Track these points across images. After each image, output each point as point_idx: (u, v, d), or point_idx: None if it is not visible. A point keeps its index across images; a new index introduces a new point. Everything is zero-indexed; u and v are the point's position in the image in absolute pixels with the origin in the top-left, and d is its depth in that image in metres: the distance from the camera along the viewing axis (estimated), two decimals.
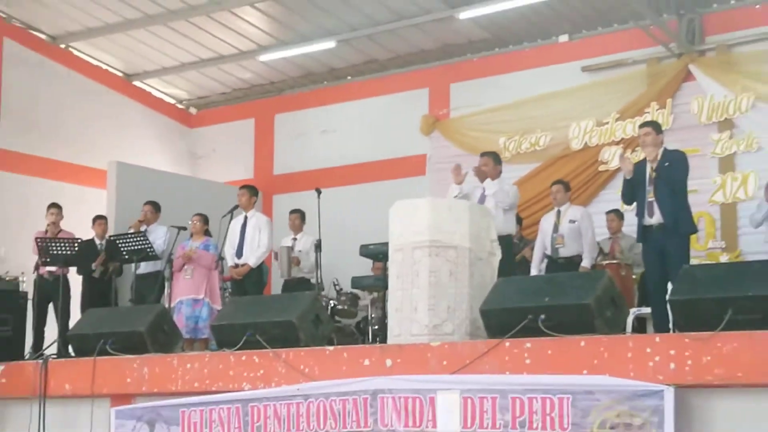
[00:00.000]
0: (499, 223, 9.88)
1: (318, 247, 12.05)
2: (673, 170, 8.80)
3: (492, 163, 10.54)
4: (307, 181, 14.09)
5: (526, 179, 13.60)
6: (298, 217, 12.64)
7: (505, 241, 9.68)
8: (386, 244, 9.36)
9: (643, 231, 9.05)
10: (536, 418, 7.38)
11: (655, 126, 9.31)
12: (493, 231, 9.28)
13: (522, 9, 13.45)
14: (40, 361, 10.58)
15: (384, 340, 9.86)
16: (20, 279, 12.56)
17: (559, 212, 11.04)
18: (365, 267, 12.32)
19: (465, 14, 13.63)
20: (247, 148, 16.43)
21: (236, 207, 12.08)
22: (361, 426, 8.35)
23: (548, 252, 11.00)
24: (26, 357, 11.65)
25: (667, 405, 6.92)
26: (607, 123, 13.23)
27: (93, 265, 12.50)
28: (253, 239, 11.90)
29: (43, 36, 14.99)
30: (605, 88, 13.37)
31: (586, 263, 10.62)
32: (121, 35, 15.10)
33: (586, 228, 10.92)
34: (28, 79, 14.45)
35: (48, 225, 12.37)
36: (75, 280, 12.56)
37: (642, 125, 9.73)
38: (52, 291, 12.04)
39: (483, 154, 10.82)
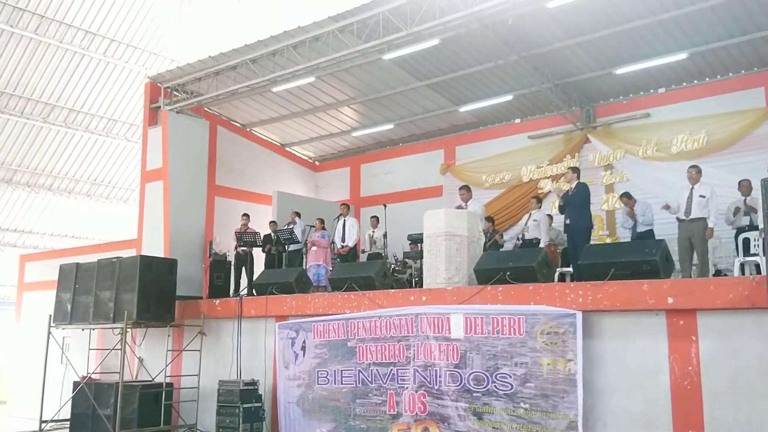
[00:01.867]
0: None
1: (385, 236, 12.85)
2: (580, 193, 9.74)
3: (466, 192, 11.22)
4: (379, 200, 14.74)
5: (498, 197, 14.39)
6: (375, 220, 13.32)
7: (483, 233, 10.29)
8: (421, 234, 10.01)
9: (565, 226, 9.89)
10: (505, 329, 8.16)
11: (574, 169, 10.20)
12: (480, 226, 10.11)
13: (494, 105, 14.08)
14: (238, 297, 11.77)
15: (421, 285, 10.33)
16: (227, 254, 13.41)
17: (530, 215, 11.54)
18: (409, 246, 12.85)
19: (463, 108, 14.42)
20: (345, 182, 17.37)
21: (340, 214, 12.98)
22: (410, 332, 9.11)
23: (519, 235, 11.50)
24: (230, 296, 12.56)
25: (578, 321, 7.58)
26: (542, 167, 13.90)
27: (268, 247, 13.35)
28: (349, 231, 12.78)
29: (237, 124, 16.05)
30: (541, 147, 14.03)
31: (542, 243, 11.01)
32: (280, 123, 16.03)
33: (545, 224, 11.44)
34: (230, 147, 15.32)
35: (241, 225, 13.36)
36: (257, 255, 13.41)
37: (568, 168, 10.92)
38: (244, 261, 13.13)
39: (461, 188, 11.44)
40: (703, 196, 8.86)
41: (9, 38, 18.79)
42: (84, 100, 21.38)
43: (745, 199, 9.49)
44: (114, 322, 11.60)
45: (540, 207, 11.88)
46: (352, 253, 12.97)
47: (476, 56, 12.56)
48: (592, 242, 10.23)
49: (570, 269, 9.85)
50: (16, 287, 19.19)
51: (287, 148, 17.52)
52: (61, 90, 20.69)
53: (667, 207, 9.28)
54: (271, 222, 13.88)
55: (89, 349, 12.93)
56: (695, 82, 12.59)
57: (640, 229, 9.87)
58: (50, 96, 20.74)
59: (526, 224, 11.46)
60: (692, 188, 9.03)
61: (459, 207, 10.87)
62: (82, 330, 12.85)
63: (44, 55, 19.61)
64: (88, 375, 12.29)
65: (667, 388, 7.25)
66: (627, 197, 10.45)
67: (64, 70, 20.23)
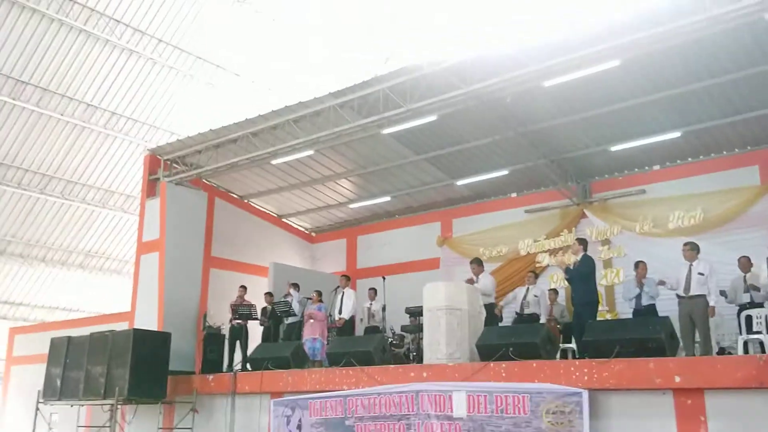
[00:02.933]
0: (485, 297, 10.46)
1: (383, 308, 12.76)
2: (586, 265, 9.65)
3: (477, 266, 11.09)
4: (375, 272, 14.78)
5: (496, 270, 14.01)
6: (373, 292, 13.17)
7: (489, 307, 10.46)
8: (419, 307, 9.91)
9: (572, 299, 9.80)
10: (510, 408, 7.95)
11: (581, 241, 10.09)
12: (480, 301, 9.94)
13: (491, 179, 14.08)
14: (232, 373, 11.55)
15: (420, 361, 10.10)
16: (221, 327, 13.19)
17: (528, 289, 11.45)
18: (406, 318, 12.63)
19: (460, 182, 14.45)
20: (342, 254, 17.24)
21: (338, 286, 12.82)
22: (410, 411, 8.85)
23: (517, 310, 11.41)
24: (224, 370, 12.32)
25: (584, 400, 7.41)
26: (539, 240, 13.77)
27: (262, 320, 13.10)
28: (346, 304, 12.56)
29: (235, 195, 16.02)
30: (538, 221, 14.01)
31: (543, 319, 11.03)
32: (277, 194, 16.07)
33: (545, 300, 11.40)
34: (227, 218, 15.30)
35: (237, 297, 13.12)
36: (252, 328, 13.11)
37: (575, 239, 10.71)
38: (238, 334, 12.82)
39: (471, 261, 11.29)
40: (702, 274, 8.81)
41: (11, 110, 19.08)
42: (82, 171, 21.55)
43: (744, 276, 9.44)
44: (104, 399, 11.35)
45: (536, 283, 11.87)
46: (349, 326, 12.83)
47: (473, 132, 12.73)
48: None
49: (572, 345, 9.74)
50: (5, 360, 18.75)
51: (284, 219, 17.56)
52: (60, 161, 20.90)
53: (662, 283, 9.24)
54: (266, 293, 13.71)
55: (77, 427, 12.68)
56: (689, 159, 12.73)
57: (645, 301, 9.70)
58: (48, 167, 20.92)
59: (525, 299, 11.36)
60: (691, 265, 9.00)
61: (469, 280, 10.76)
62: (71, 406, 12.57)
63: (45, 127, 19.89)
64: None
65: None
66: (642, 264, 10.16)
67: (64, 142, 20.47)
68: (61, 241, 23.09)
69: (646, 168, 13.21)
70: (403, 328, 12.88)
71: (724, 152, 12.34)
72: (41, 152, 20.38)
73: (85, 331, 12.71)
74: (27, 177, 20.85)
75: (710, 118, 11.40)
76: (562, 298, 12.02)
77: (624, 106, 11.24)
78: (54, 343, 12.75)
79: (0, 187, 20.47)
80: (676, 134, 11.78)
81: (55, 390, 12.14)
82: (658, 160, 12.93)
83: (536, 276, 11.91)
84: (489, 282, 10.94)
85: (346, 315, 12.55)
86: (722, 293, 9.42)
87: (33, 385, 13.01)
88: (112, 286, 24.46)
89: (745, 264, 9.57)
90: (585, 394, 7.45)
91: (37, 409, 12.25)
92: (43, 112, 19.38)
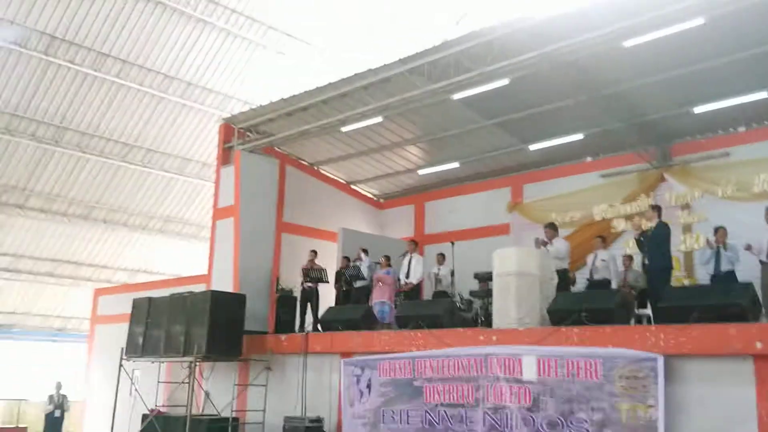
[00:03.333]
0: (560, 263, 10.38)
1: (452, 273, 12.69)
2: (660, 233, 9.55)
3: (551, 230, 10.94)
4: (443, 238, 14.53)
5: (568, 236, 13.22)
6: (441, 257, 13.08)
7: (562, 272, 10.32)
8: (489, 272, 9.91)
9: (643, 266, 9.65)
10: (581, 372, 7.89)
11: (655, 207, 10.04)
12: (552, 266, 9.87)
13: (564, 144, 13.71)
14: (304, 333, 11.86)
15: (489, 326, 9.98)
16: (294, 290, 13.54)
17: (596, 255, 11.31)
18: (474, 284, 12.68)
19: (532, 147, 14.17)
20: (410, 220, 17.32)
21: (406, 252, 13.00)
22: (479, 373, 8.90)
23: (587, 276, 11.24)
24: (296, 331, 12.61)
25: (660, 365, 7.30)
26: (615, 205, 13.59)
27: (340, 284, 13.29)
28: (414, 268, 12.74)
29: (305, 162, 16.27)
30: (614, 186, 13.73)
31: (614, 285, 10.82)
32: (346, 161, 16.25)
33: (615, 266, 11.23)
34: (298, 185, 15.50)
35: (308, 261, 13.36)
36: (323, 291, 13.33)
37: (649, 206, 10.88)
38: (310, 296, 13.11)
39: (546, 225, 11.17)
40: None
41: (93, 82, 19.81)
42: (161, 140, 22.25)
43: None
44: (184, 356, 11.81)
45: (605, 247, 11.64)
46: (416, 290, 12.95)
47: (546, 95, 12.45)
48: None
49: (647, 311, 9.52)
50: (90, 320, 19.74)
51: (353, 186, 17.72)
52: (140, 131, 21.60)
53: (748, 247, 8.95)
54: (344, 257, 13.96)
55: (158, 382, 13.17)
56: None
57: (724, 266, 9.46)
58: (129, 137, 21.68)
59: (594, 264, 11.18)
60: None
61: (540, 242, 10.68)
62: (152, 363, 13.12)
63: (125, 98, 20.54)
64: (157, 408, 12.50)
65: None
66: (722, 230, 9.91)
67: (143, 111, 21.14)
68: (142, 207, 24.01)
69: (731, 130, 12.72)
70: (472, 293, 12.85)
71: None
72: (122, 122, 21.12)
73: (164, 292, 13.26)
74: (109, 146, 21.70)
75: None
76: (637, 263, 11.55)
77: (708, 65, 10.77)
78: (136, 304, 13.30)
79: (84, 155, 21.40)
80: (763, 94, 11.22)
81: (137, 347, 12.72)
82: (744, 121, 12.42)
83: (604, 240, 11.70)
84: (563, 246, 10.74)
85: (413, 279, 12.63)
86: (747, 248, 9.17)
87: (116, 343, 13.64)
88: (189, 250, 25.35)
89: None
90: (660, 360, 7.33)
91: (121, 365, 12.80)
92: (123, 83, 20.01)
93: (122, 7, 18.22)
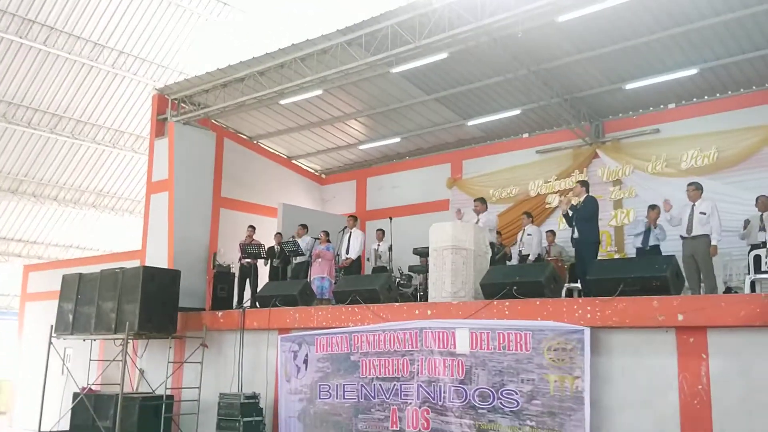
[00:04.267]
0: (489, 236, 10.44)
1: (390, 249, 12.77)
2: (588, 207, 9.64)
3: (480, 204, 11.11)
4: (385, 213, 14.68)
5: (505, 212, 14.17)
6: (381, 233, 13.24)
7: (492, 246, 10.40)
8: (427, 247, 9.84)
9: (572, 240, 9.71)
10: (512, 345, 8.03)
11: (583, 183, 10.10)
12: (486, 240, 9.94)
13: (502, 119, 14.00)
14: (241, 310, 11.67)
15: (426, 299, 10.21)
16: (231, 266, 13.44)
17: (524, 230, 11.67)
18: (415, 260, 12.83)
19: (471, 122, 14.34)
20: (351, 195, 17.26)
21: (345, 227, 12.91)
22: (414, 347, 8.97)
23: (518, 251, 11.53)
24: (233, 308, 12.47)
25: (586, 337, 7.45)
26: (550, 181, 13.77)
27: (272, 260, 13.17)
28: (353, 244, 12.68)
29: (244, 136, 15.99)
30: (549, 162, 13.92)
31: (532, 257, 11.26)
32: (287, 135, 16.01)
33: (538, 240, 11.70)
34: (237, 159, 15.29)
35: (246, 237, 13.28)
36: (261, 267, 13.24)
37: (577, 181, 10.84)
38: (248, 273, 13.01)
39: (476, 200, 11.35)
40: (704, 213, 8.82)
41: (18, 49, 18.98)
42: (91, 111, 21.53)
43: (761, 215, 9.33)
44: (115, 333, 11.55)
45: (532, 222, 11.99)
46: (356, 266, 12.91)
47: (485, 70, 12.50)
48: (600, 258, 10.13)
49: (578, 285, 9.69)
50: (20, 297, 19.17)
51: (294, 161, 17.55)
52: (69, 101, 20.85)
53: (666, 203, 9.37)
54: (276, 234, 13.81)
55: (90, 360, 12.91)
56: (706, 98, 12.47)
57: (652, 242, 9.77)
58: (58, 107, 20.91)
59: (521, 240, 11.49)
60: (693, 205, 9.01)
61: (459, 215, 11.10)
62: (84, 341, 12.82)
63: (53, 67, 19.79)
64: (88, 386, 12.28)
65: (677, 406, 7.11)
66: (657, 209, 10.18)
67: (72, 81, 20.38)
68: (73, 180, 23.27)
69: (661, 107, 12.98)
70: (411, 268, 12.97)
71: (742, 90, 12.04)
72: (50, 92, 20.36)
73: (97, 268, 12.83)
74: (37, 116, 20.89)
75: (728, 55, 11.11)
76: (560, 239, 12.06)
77: (640, 42, 10.97)
78: (66, 280, 12.90)
79: (10, 126, 20.52)
80: (692, 71, 11.53)
81: (68, 325, 12.39)
82: (674, 98, 12.68)
83: (530, 216, 12.06)
84: (492, 219, 11.06)
85: (353, 255, 12.62)
86: (745, 223, 9.53)
87: (47, 320, 13.27)
88: (124, 225, 24.78)
89: (764, 203, 9.47)
90: (587, 332, 7.49)
91: (50, 343, 12.45)
92: (51, 50, 19.29)
93: None
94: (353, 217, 13.29)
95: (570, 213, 9.63)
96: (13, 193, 22.38)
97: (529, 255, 11.54)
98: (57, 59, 19.62)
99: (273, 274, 13.30)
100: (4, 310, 25.81)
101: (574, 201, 10.16)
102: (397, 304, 9.77)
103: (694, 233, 8.82)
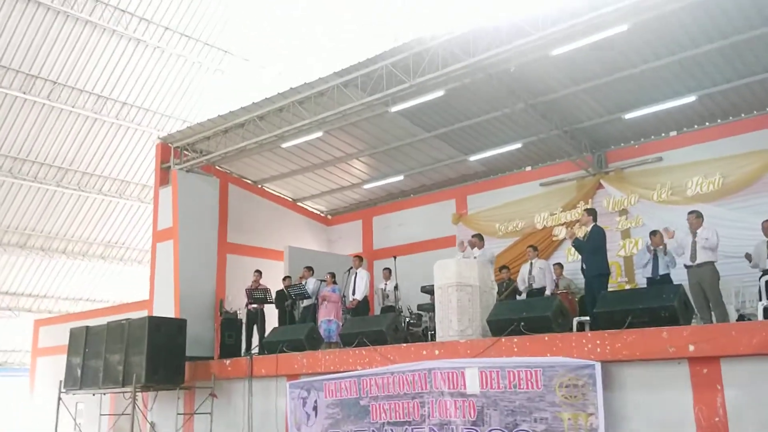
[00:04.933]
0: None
1: (396, 288, 12.76)
2: (594, 238, 9.57)
3: (478, 240, 11.25)
4: (392, 252, 14.54)
5: (512, 246, 14.19)
6: (387, 272, 13.18)
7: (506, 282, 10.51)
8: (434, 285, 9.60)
9: (582, 271, 9.68)
10: (522, 383, 7.88)
11: (590, 211, 10.06)
12: (492, 275, 10.00)
13: (504, 154, 14.03)
14: (249, 357, 11.59)
15: (434, 339, 10.11)
16: (238, 312, 13.35)
17: (531, 263, 11.48)
18: (425, 298, 12.71)
19: (473, 157, 14.37)
20: (358, 235, 17.22)
21: (351, 267, 12.81)
22: (424, 389, 8.84)
23: (525, 285, 11.39)
24: (242, 355, 12.34)
25: (598, 373, 7.31)
26: (556, 213, 13.72)
27: (287, 303, 12.98)
28: (359, 285, 12.57)
29: (249, 181, 16.01)
30: (553, 194, 13.90)
31: (548, 292, 11.06)
32: (291, 178, 16.07)
33: (549, 273, 11.53)
34: (241, 204, 15.32)
35: (253, 282, 13.17)
36: (269, 312, 13.14)
37: (584, 210, 10.73)
38: (255, 318, 12.91)
39: (473, 235, 11.47)
40: (707, 239, 8.78)
41: (22, 104, 19.32)
42: (97, 163, 21.80)
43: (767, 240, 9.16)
44: (123, 386, 11.47)
45: (539, 255, 11.89)
46: (364, 306, 12.82)
47: (482, 105, 12.57)
48: (610, 289, 9.99)
49: (588, 318, 9.60)
50: (31, 352, 19.12)
51: (299, 203, 17.59)
52: (74, 154, 21.12)
53: (666, 231, 9.37)
54: (285, 278, 13.78)
55: (101, 415, 12.86)
56: (707, 124, 12.47)
57: (662, 270, 9.66)
58: (63, 160, 21.18)
59: (530, 273, 11.34)
60: (695, 233, 8.96)
61: (462, 246, 11.12)
62: (93, 395, 12.76)
63: (57, 120, 20.10)
64: None
65: None
66: (659, 234, 10.08)
67: (77, 134, 20.69)
68: (81, 232, 23.43)
69: (662, 135, 12.98)
70: (420, 307, 12.88)
71: (742, 115, 12.04)
72: (55, 145, 20.63)
73: (105, 320, 12.80)
74: (43, 170, 21.16)
75: (726, 81, 11.13)
76: (568, 271, 12.00)
77: (635, 71, 11.01)
78: (73, 333, 12.89)
79: (17, 181, 20.75)
80: (691, 98, 11.55)
81: (76, 379, 12.33)
82: (674, 125, 12.68)
83: (535, 249, 11.97)
84: (488, 254, 11.12)
85: (359, 296, 12.55)
86: (747, 257, 9.42)
87: (57, 375, 13.19)
88: (133, 275, 24.83)
89: None
90: (598, 366, 7.36)
91: (60, 399, 12.37)
92: (55, 105, 19.59)
93: (50, 26, 17.88)
94: (359, 258, 13.24)
95: (573, 246, 9.69)
96: (22, 247, 22.54)
97: (540, 288, 11.38)
98: (61, 113, 19.94)
99: (282, 319, 13.22)
100: (16, 366, 25.74)
101: (580, 233, 10.12)
102: (404, 345, 9.69)
103: (699, 261, 8.74)
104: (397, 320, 10.67)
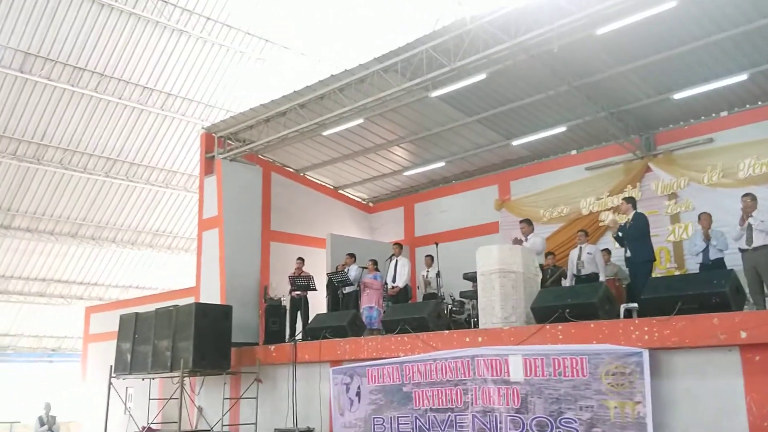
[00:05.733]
0: (539, 259, 10.21)
1: (438, 275, 12.61)
2: (637, 225, 9.45)
3: (527, 225, 10.93)
4: (433, 239, 14.19)
5: (558, 231, 13.99)
6: (430, 259, 13.06)
7: (541, 268, 10.06)
8: (476, 272, 9.50)
9: (626, 259, 9.52)
10: (567, 370, 7.76)
11: (629, 199, 9.86)
12: (536, 261, 9.76)
13: (548, 137, 13.82)
14: (293, 343, 11.70)
15: (477, 326, 9.95)
16: (282, 299, 13.46)
17: (581, 248, 11.16)
18: (467, 285, 12.36)
19: (516, 142, 14.21)
20: (400, 222, 17.20)
21: (392, 255, 12.81)
22: (467, 376, 8.79)
23: (574, 272, 11.06)
24: (286, 341, 12.46)
25: (645, 360, 7.18)
26: (602, 198, 13.48)
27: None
28: (400, 272, 12.60)
29: (291, 169, 16.11)
30: (600, 178, 13.63)
31: (602, 278, 10.62)
32: (332, 166, 16.14)
33: (600, 258, 11.05)
34: (284, 192, 15.39)
35: (295, 269, 13.17)
36: (313, 299, 13.19)
37: (622, 199, 10.53)
38: (298, 305, 12.93)
39: (521, 221, 11.19)
40: (763, 221, 8.51)
41: (71, 97, 19.79)
42: (144, 153, 22.25)
43: None
44: (171, 371, 11.70)
45: (588, 240, 11.56)
46: (405, 294, 12.82)
47: (525, 88, 12.38)
48: (658, 275, 9.90)
49: (636, 305, 9.29)
50: (82, 339, 19.68)
51: (340, 191, 17.62)
52: (122, 145, 21.59)
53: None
54: (336, 266, 13.83)
55: (149, 399, 13.06)
56: (759, 103, 12.05)
57: (713, 255, 9.39)
58: (111, 151, 21.68)
59: (579, 259, 11.08)
60: (750, 216, 8.69)
61: (517, 241, 10.60)
62: (143, 380, 13.02)
63: (104, 112, 20.54)
64: (148, 425, 12.40)
65: (746, 429, 6.76)
66: (705, 215, 9.85)
67: (123, 125, 21.13)
68: (129, 221, 23.99)
69: (713, 115, 12.61)
70: (462, 294, 12.77)
71: None
72: (103, 136, 21.10)
73: (153, 307, 13.06)
74: (92, 161, 21.70)
75: None
76: (616, 257, 11.64)
77: (684, 50, 10.67)
78: (123, 320, 13.17)
79: (67, 172, 21.35)
80: (742, 77, 11.16)
81: (126, 365, 12.62)
82: (726, 105, 12.29)
83: (587, 234, 11.60)
84: (539, 241, 10.75)
85: (400, 283, 12.52)
86: None
87: (108, 361, 13.51)
88: (181, 263, 25.30)
89: None
90: (645, 354, 7.21)
91: (110, 383, 12.68)
92: (102, 96, 19.98)
93: (95, 20, 18.21)
94: (399, 245, 13.21)
95: (620, 234, 9.39)
96: (73, 237, 23.19)
97: (589, 274, 11.03)
98: (108, 105, 20.36)
99: (334, 304, 13.33)
100: (69, 352, 26.58)
101: (622, 220, 9.88)
102: (446, 332, 9.63)
103: (755, 244, 8.47)
104: (440, 307, 10.62)
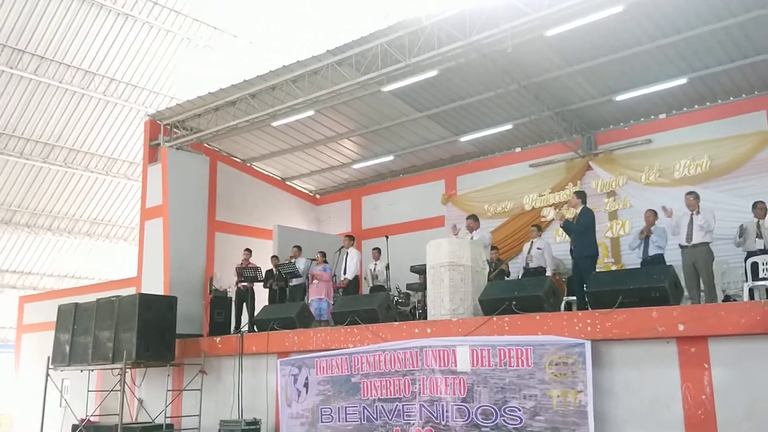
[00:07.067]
0: (485, 253, 10.38)
1: (387, 267, 12.72)
2: (582, 220, 9.58)
3: (473, 221, 11.23)
4: (380, 232, 14.64)
5: (501, 226, 14.24)
6: (377, 252, 13.18)
7: (488, 263, 10.22)
8: (424, 265, 9.86)
9: (570, 252, 9.74)
10: (513, 361, 7.94)
11: (579, 194, 10.04)
12: (483, 255, 9.96)
13: (494, 135, 14.04)
14: (239, 334, 11.58)
15: (425, 317, 10.20)
16: (228, 290, 13.32)
17: (532, 243, 11.42)
18: (413, 277, 12.79)
19: (464, 138, 14.37)
20: (347, 215, 17.23)
21: (342, 247, 12.81)
22: (415, 366, 8.89)
23: (524, 265, 11.33)
24: (231, 332, 12.39)
25: (587, 351, 7.41)
26: (544, 195, 13.79)
27: (270, 282, 13.13)
28: (349, 264, 12.64)
29: (238, 159, 15.96)
30: (543, 175, 13.94)
31: (549, 272, 10.88)
32: (280, 157, 16.00)
33: (549, 253, 11.30)
34: (231, 183, 15.29)
35: (242, 260, 13.15)
36: (258, 291, 13.15)
37: (573, 193, 10.69)
38: (245, 296, 12.90)
39: (468, 217, 11.49)
40: (705, 220, 8.82)
41: (9, 79, 19.07)
42: (84, 139, 21.58)
43: (758, 222, 9.21)
44: (113, 363, 11.46)
45: (540, 235, 11.81)
46: (354, 286, 12.88)
47: (475, 86, 12.54)
48: (598, 270, 10.06)
49: (575, 298, 9.68)
50: (15, 329, 19.02)
51: (288, 182, 17.53)
52: (61, 130, 20.91)
53: (665, 209, 9.28)
54: (273, 257, 13.77)
55: (88, 391, 12.75)
56: (696, 107, 12.53)
57: (653, 251, 9.67)
58: (50, 136, 20.97)
59: (529, 253, 11.32)
60: (692, 214, 9.00)
61: (455, 230, 11.11)
62: (81, 371, 12.70)
63: (44, 96, 19.86)
64: (87, 417, 12.13)
65: (681, 417, 7.06)
66: (650, 212, 10.05)
67: (64, 109, 20.45)
68: (67, 209, 23.26)
69: (652, 117, 13.03)
70: (409, 286, 12.93)
71: (731, 98, 12.11)
72: (42, 121, 20.41)
73: (92, 297, 12.76)
74: (29, 146, 20.94)
75: (717, 63, 11.18)
76: (558, 252, 12.01)
77: (628, 53, 11.03)
78: (61, 310, 12.82)
79: (2, 156, 20.55)
80: (682, 81, 11.59)
81: (64, 356, 12.29)
82: (664, 108, 12.73)
83: (540, 229, 11.92)
84: (487, 235, 11.14)
85: (349, 275, 12.59)
86: (741, 229, 9.26)
87: (44, 352, 13.16)
88: (119, 252, 24.69)
89: (762, 209, 9.29)
90: (587, 345, 7.45)
91: (48, 375, 12.32)
92: (42, 80, 19.36)
93: (36, 0, 17.40)
94: (349, 237, 13.24)
95: (564, 227, 9.66)
96: (7, 224, 22.35)
97: (537, 267, 11.34)
98: (48, 88, 19.69)
99: (271, 297, 13.27)
100: (1, 343, 25.59)
101: (569, 215, 10.14)
102: (396, 323, 9.72)
103: (694, 241, 8.80)
104: (389, 299, 10.70)
